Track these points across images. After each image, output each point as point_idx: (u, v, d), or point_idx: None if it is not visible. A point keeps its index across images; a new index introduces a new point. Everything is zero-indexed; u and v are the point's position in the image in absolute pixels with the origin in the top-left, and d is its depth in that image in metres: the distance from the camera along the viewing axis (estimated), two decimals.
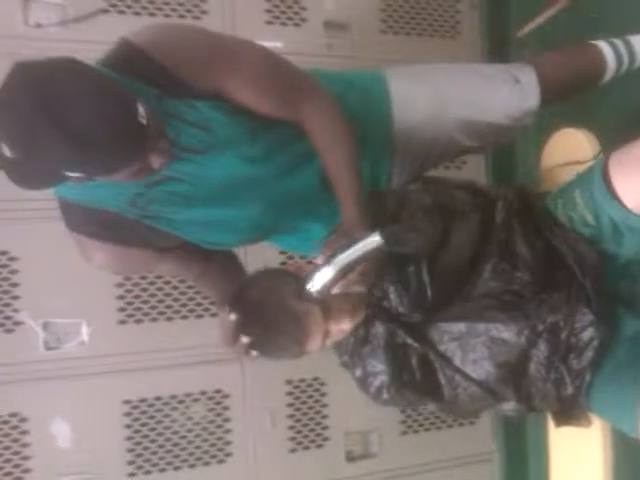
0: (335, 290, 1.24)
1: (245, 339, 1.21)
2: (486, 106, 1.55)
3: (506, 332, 1.32)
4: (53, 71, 1.06)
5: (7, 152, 1.04)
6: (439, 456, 2.25)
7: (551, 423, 1.82)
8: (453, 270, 1.35)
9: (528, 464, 2.30)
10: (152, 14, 1.99)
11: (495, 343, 1.32)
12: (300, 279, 1.25)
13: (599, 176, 1.28)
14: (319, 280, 1.21)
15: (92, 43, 1.68)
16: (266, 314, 1.22)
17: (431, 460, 2.24)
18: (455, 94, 1.54)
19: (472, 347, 1.33)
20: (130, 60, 1.22)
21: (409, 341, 1.34)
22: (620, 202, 1.26)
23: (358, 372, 1.40)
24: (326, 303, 1.23)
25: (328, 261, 1.21)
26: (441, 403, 1.39)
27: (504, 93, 1.56)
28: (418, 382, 1.37)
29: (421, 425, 2.25)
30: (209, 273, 1.56)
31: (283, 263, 2.02)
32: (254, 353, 1.23)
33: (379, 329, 1.35)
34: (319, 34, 2.14)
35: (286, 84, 1.34)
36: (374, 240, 1.20)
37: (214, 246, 1.47)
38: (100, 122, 1.04)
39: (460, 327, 1.34)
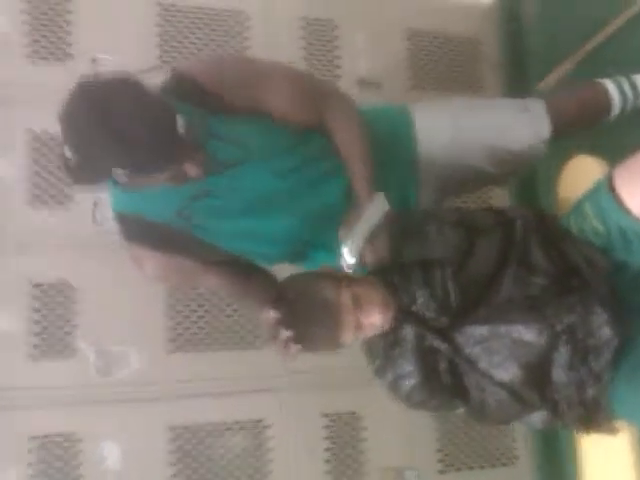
0: (367, 258, 1.38)
1: (284, 334, 1.33)
2: (502, 133, 1.70)
3: (527, 333, 1.40)
4: (107, 85, 1.27)
5: (67, 153, 1.27)
6: None
7: (587, 465, 1.85)
8: (477, 279, 1.45)
9: None
10: None
11: (517, 344, 1.40)
12: (332, 275, 1.38)
13: (605, 185, 1.39)
14: (347, 252, 1.36)
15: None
16: (302, 309, 1.34)
17: None
18: (472, 122, 1.70)
19: (495, 350, 1.42)
20: (178, 85, 1.45)
21: (437, 344, 1.43)
22: (626, 208, 1.36)
23: (390, 375, 1.48)
24: (357, 295, 1.35)
25: (346, 234, 1.37)
26: (469, 407, 1.46)
27: (516, 121, 1.71)
28: (447, 385, 1.44)
29: (460, 463, 2.26)
30: (250, 292, 1.70)
31: None
32: (294, 347, 1.34)
33: (408, 332, 1.44)
34: (352, 91, 2.32)
35: (312, 90, 1.55)
36: (379, 202, 1.39)
37: (256, 257, 1.61)
38: (142, 126, 1.23)
39: (483, 330, 1.42)
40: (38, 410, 1.97)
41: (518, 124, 1.73)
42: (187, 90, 1.44)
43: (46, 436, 1.95)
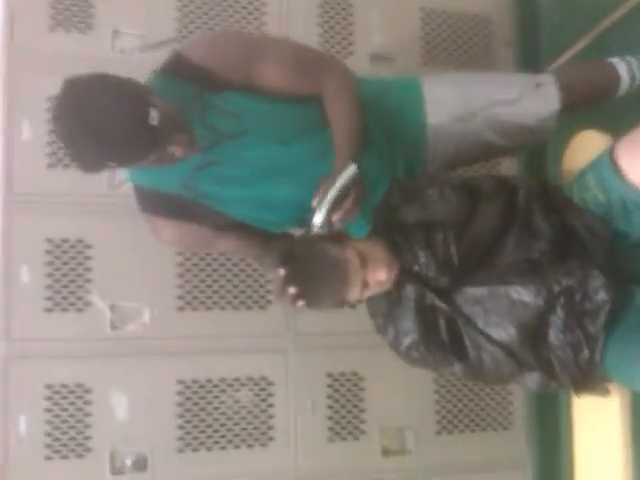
0: (336, 219, 1.46)
1: (292, 290, 1.37)
2: (512, 107, 1.73)
3: (525, 294, 1.44)
4: (83, 86, 1.38)
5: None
6: (473, 458, 2.32)
7: (581, 429, 1.91)
8: (479, 242, 1.49)
9: (561, 473, 2.34)
10: None
11: (515, 305, 1.45)
12: (338, 236, 1.43)
13: (607, 156, 1.43)
14: (318, 215, 1.45)
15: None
16: (309, 266, 1.39)
17: (465, 461, 2.31)
18: (483, 95, 1.73)
19: (494, 310, 1.46)
20: (176, 64, 1.54)
21: (437, 303, 1.48)
22: (626, 179, 1.40)
23: (390, 333, 1.53)
24: (362, 252, 1.40)
25: (321, 198, 1.45)
26: (466, 364, 1.51)
27: (527, 95, 1.74)
28: (445, 342, 1.49)
29: (456, 426, 2.34)
30: (268, 253, 1.75)
31: None
32: (300, 303, 1.39)
33: (409, 291, 1.49)
34: (365, 66, 2.34)
35: (307, 58, 1.60)
36: (350, 169, 1.46)
37: (263, 224, 1.67)
38: (115, 126, 1.34)
39: (482, 291, 1.47)
40: (50, 360, 2.04)
41: (529, 98, 1.75)
42: (185, 69, 1.51)
43: (58, 385, 2.03)
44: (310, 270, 1.39)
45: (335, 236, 1.46)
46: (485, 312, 1.47)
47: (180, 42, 2.20)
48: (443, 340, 1.49)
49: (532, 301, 1.44)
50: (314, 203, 1.47)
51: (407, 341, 1.50)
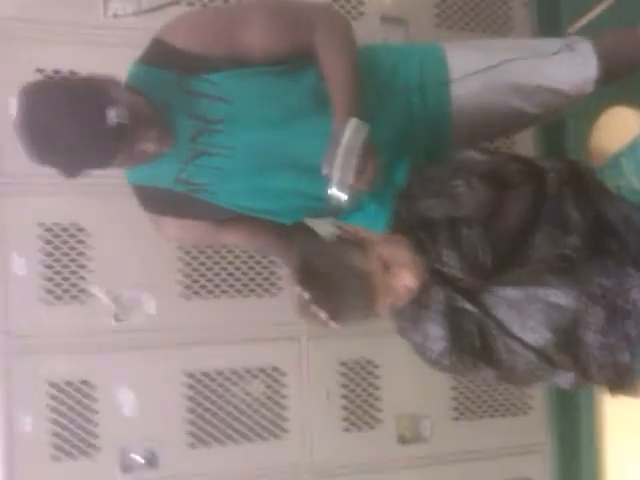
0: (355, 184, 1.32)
1: (320, 314, 1.27)
2: (543, 71, 1.60)
3: (562, 297, 1.35)
4: (35, 104, 1.32)
5: None
6: (491, 444, 2.27)
7: (606, 415, 1.85)
8: (506, 237, 1.38)
9: (581, 457, 2.29)
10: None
11: (553, 309, 1.36)
12: (356, 240, 1.32)
13: None
14: (333, 184, 1.31)
15: None
16: (333, 282, 1.29)
17: (482, 448, 2.26)
18: (510, 60, 1.58)
19: (530, 314, 1.37)
20: (158, 52, 1.42)
21: (468, 306, 1.38)
22: None
23: (417, 337, 1.43)
24: (387, 258, 1.29)
25: (331, 170, 1.31)
26: (498, 370, 1.42)
27: (559, 59, 1.60)
28: (477, 348, 1.40)
29: (473, 412, 2.27)
30: (274, 245, 1.65)
31: None
32: (333, 323, 1.29)
33: (438, 294, 1.39)
34: (376, 28, 2.21)
35: (295, 16, 1.45)
36: (356, 127, 1.31)
37: (264, 215, 1.55)
38: (73, 134, 1.28)
39: (518, 294, 1.37)
40: (53, 355, 1.94)
41: (562, 61, 1.61)
42: (168, 57, 1.41)
43: (63, 383, 1.93)
44: (334, 287, 1.28)
45: (355, 240, 1.35)
46: (521, 316, 1.38)
47: (179, 4, 2.06)
48: (474, 345, 1.40)
49: (569, 304, 1.35)
50: (324, 170, 1.33)
51: (437, 348, 1.41)
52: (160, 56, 1.42)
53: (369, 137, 1.33)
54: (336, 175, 1.31)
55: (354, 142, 1.32)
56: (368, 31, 2.20)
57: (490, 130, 1.67)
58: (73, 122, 1.28)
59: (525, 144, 2.31)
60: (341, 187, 1.32)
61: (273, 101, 1.44)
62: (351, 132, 1.32)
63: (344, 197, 1.33)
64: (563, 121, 1.92)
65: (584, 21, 2.28)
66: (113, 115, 1.28)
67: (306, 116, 1.45)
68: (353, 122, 1.33)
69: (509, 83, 1.60)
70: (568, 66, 1.62)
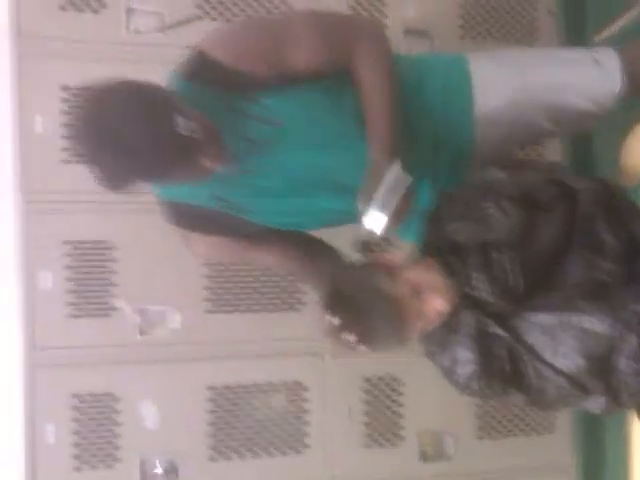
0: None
1: (349, 339, 1.26)
2: (568, 89, 1.56)
3: (599, 325, 1.32)
4: (102, 100, 1.25)
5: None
6: (515, 463, 2.24)
7: (634, 438, 1.81)
8: (538, 260, 1.35)
9: (606, 479, 2.26)
10: None
11: (587, 335, 1.33)
12: (385, 264, 1.31)
13: None
14: (373, 226, 1.33)
15: (186, 48, 1.80)
16: (363, 307, 1.27)
17: (507, 467, 2.23)
18: (537, 77, 1.55)
19: (563, 340, 1.34)
20: (195, 65, 1.39)
21: (498, 331, 1.36)
22: None
23: (446, 361, 1.41)
24: (414, 282, 1.28)
25: (367, 199, 1.32)
26: (526, 394, 1.40)
27: (584, 75, 1.57)
28: (507, 373, 1.38)
29: (498, 431, 2.24)
30: (306, 265, 1.64)
31: None
32: (362, 347, 1.28)
33: (468, 318, 1.37)
34: (399, 41, 2.18)
35: (338, 30, 1.43)
36: (398, 171, 1.33)
37: (296, 227, 1.56)
38: (141, 136, 1.21)
39: (551, 319, 1.34)
40: (77, 368, 1.96)
41: (588, 79, 1.58)
42: (212, 74, 1.36)
43: (86, 394, 1.94)
44: (363, 312, 1.26)
45: (383, 264, 1.33)
46: (553, 342, 1.35)
47: (202, 20, 2.05)
48: (505, 370, 1.38)
49: (604, 331, 1.32)
50: (360, 204, 1.34)
51: (466, 372, 1.38)
52: (211, 74, 1.38)
53: (412, 186, 1.36)
54: (373, 212, 1.34)
55: (396, 187, 1.34)
56: (392, 44, 2.18)
57: (510, 145, 1.66)
58: (142, 124, 1.22)
59: (554, 154, 2.27)
60: (377, 224, 1.35)
61: (318, 124, 1.43)
62: (394, 175, 1.34)
63: (378, 232, 1.36)
64: (591, 133, 1.87)
65: (611, 29, 2.23)
66: (182, 123, 1.23)
67: (348, 140, 1.45)
68: (396, 167, 1.35)
69: (533, 100, 1.56)
70: (591, 82, 1.58)
